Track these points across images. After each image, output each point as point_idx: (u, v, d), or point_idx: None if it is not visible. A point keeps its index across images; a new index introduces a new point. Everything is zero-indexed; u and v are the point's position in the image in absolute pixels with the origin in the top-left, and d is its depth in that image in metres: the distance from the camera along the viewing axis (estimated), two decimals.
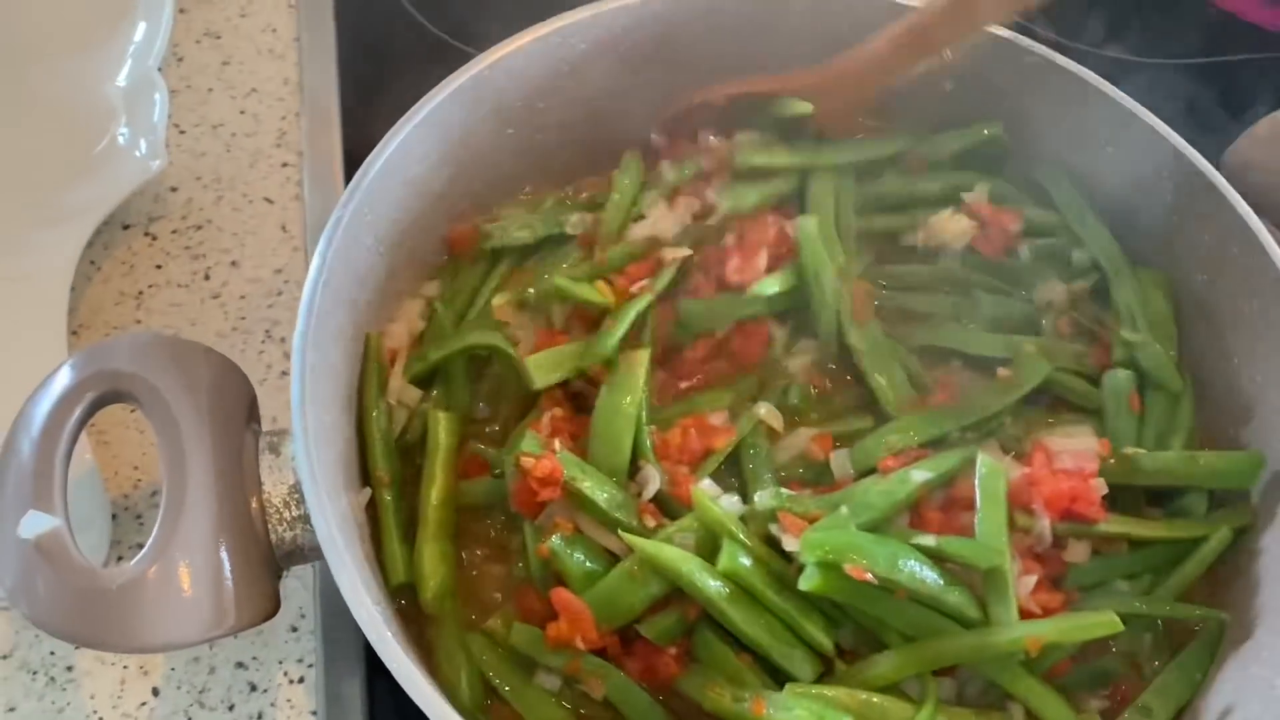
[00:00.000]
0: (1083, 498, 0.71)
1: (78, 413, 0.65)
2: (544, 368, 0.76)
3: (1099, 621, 0.66)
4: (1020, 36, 0.86)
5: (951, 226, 0.86)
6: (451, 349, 0.77)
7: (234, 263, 0.94)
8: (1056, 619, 0.67)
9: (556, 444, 0.70)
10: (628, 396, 0.73)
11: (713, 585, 0.66)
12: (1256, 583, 0.72)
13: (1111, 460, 0.74)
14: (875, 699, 0.65)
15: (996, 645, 0.65)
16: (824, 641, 0.66)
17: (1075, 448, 0.74)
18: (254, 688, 0.76)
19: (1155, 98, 0.86)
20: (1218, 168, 0.83)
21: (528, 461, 0.68)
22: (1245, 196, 0.80)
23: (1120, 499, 0.74)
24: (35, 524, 0.61)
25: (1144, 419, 0.79)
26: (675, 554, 0.66)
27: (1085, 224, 0.86)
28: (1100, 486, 0.72)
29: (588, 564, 0.68)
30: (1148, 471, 0.75)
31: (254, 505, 0.66)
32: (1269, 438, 0.76)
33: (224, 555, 0.63)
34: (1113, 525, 0.72)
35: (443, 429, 0.75)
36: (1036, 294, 0.84)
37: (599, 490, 0.69)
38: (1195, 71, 1.14)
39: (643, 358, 0.75)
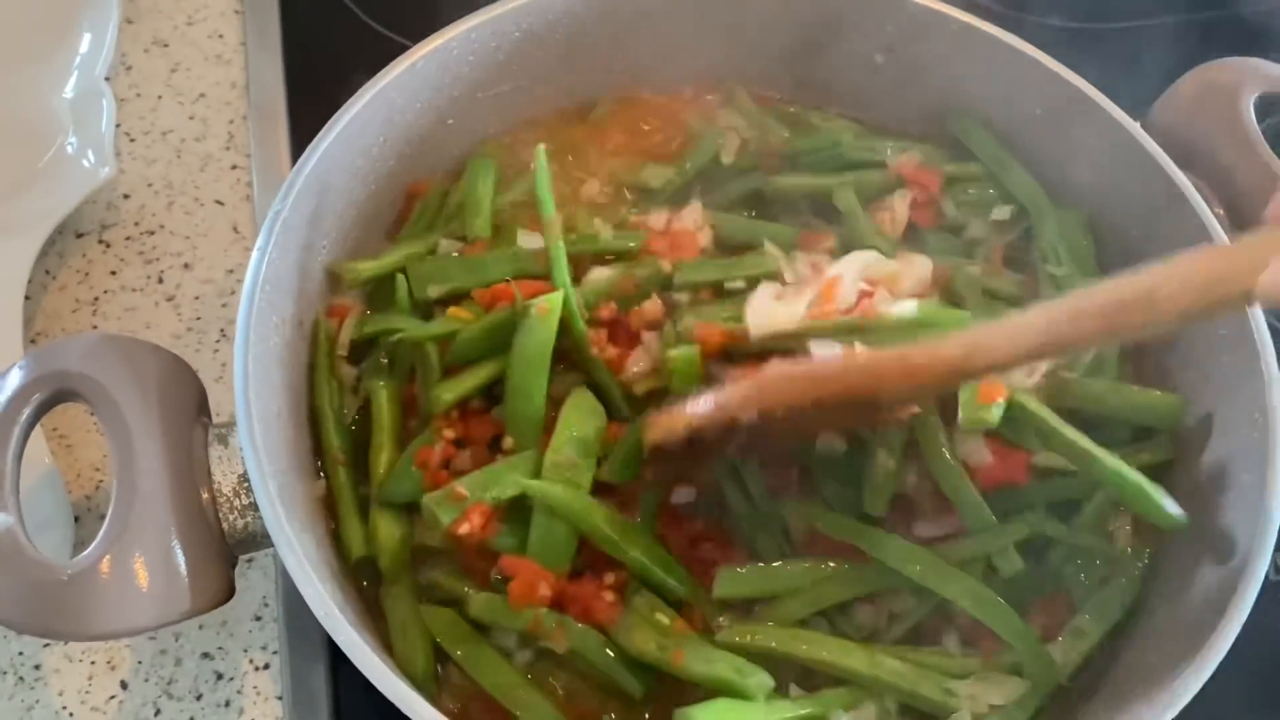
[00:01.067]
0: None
1: (27, 412, 0.66)
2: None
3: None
4: (944, 5, 0.88)
5: (900, 206, 0.88)
6: (377, 328, 0.79)
7: (187, 265, 0.95)
8: None
9: (463, 489, 0.70)
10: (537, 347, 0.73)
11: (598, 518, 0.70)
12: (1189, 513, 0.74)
13: (1043, 380, 0.75)
14: (799, 632, 0.69)
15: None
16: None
17: None
18: (220, 676, 0.78)
19: (1083, 60, 0.88)
20: (1144, 125, 0.85)
21: (463, 528, 0.69)
22: (1171, 150, 0.82)
23: None
24: None
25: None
26: (561, 494, 0.69)
27: (1005, 169, 0.88)
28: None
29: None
30: (1075, 395, 0.76)
31: (205, 496, 0.68)
32: (1197, 383, 0.78)
33: (175, 544, 0.65)
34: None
35: (385, 398, 0.76)
36: (966, 234, 0.87)
37: (516, 478, 0.71)
38: (1123, 34, 1.16)
39: (555, 302, 0.74)
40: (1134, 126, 0.83)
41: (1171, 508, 0.70)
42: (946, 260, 0.83)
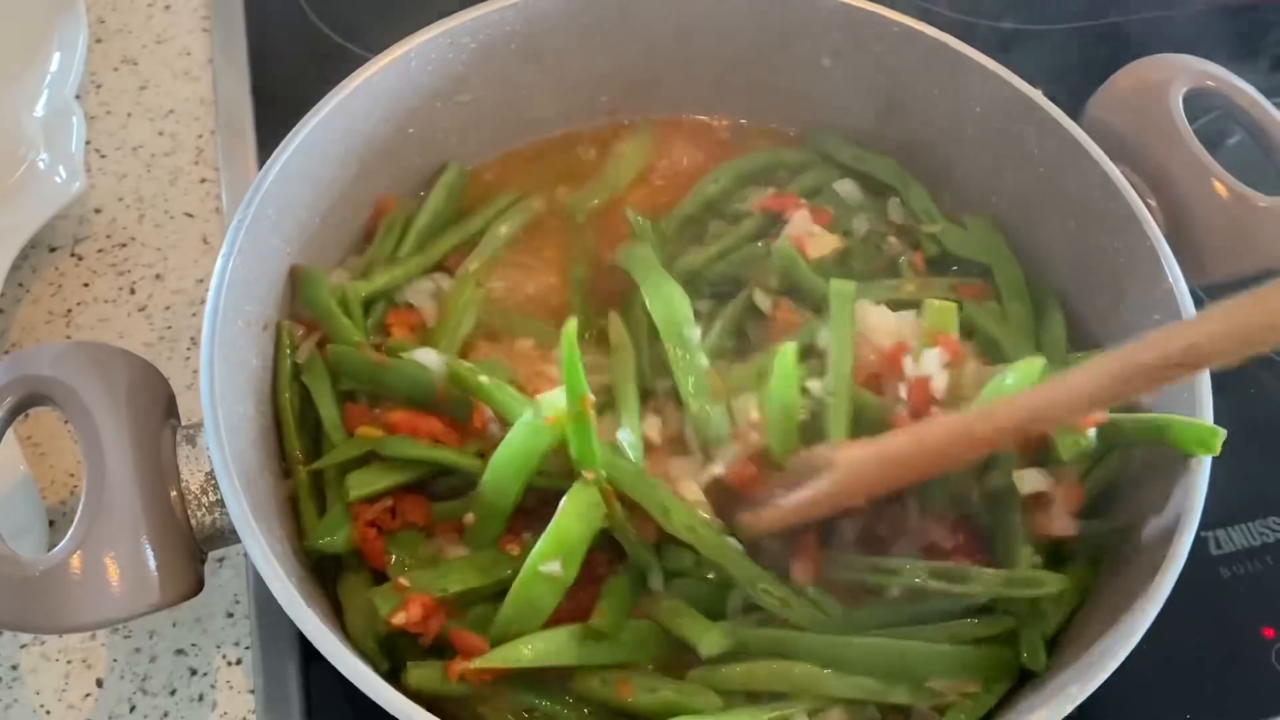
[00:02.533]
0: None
1: None
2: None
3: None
4: (884, 9, 0.91)
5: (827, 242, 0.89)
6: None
7: (158, 276, 0.98)
8: None
9: (403, 581, 0.70)
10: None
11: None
12: (1125, 494, 0.77)
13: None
14: (771, 664, 0.71)
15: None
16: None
17: None
18: (194, 672, 0.80)
19: (1029, 60, 0.91)
20: (1080, 120, 0.88)
21: (399, 618, 0.69)
22: (1105, 144, 0.85)
23: None
24: None
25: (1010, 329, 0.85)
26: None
27: (867, 164, 0.95)
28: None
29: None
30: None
31: (173, 494, 0.70)
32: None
33: (144, 539, 0.67)
34: None
35: (323, 403, 0.78)
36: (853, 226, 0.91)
37: (470, 576, 0.72)
38: (1063, 35, 1.20)
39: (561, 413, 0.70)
40: (1069, 123, 0.86)
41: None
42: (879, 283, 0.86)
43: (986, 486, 0.75)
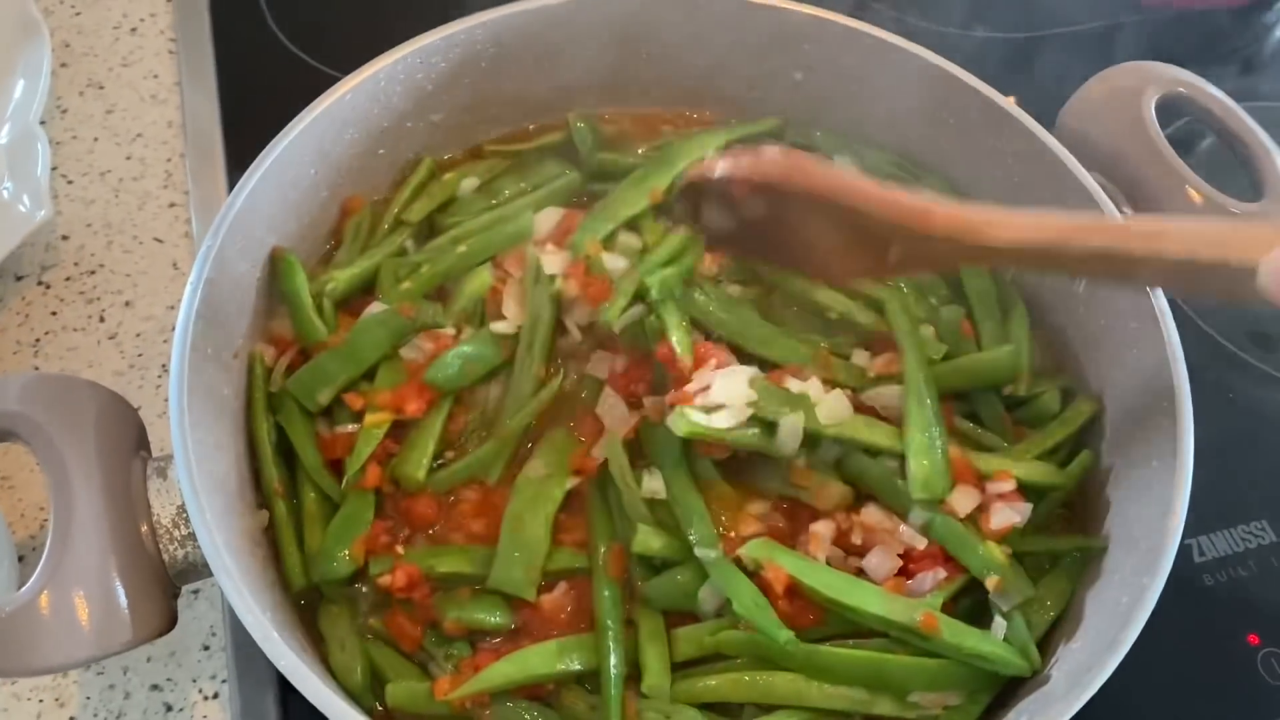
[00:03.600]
0: None
1: None
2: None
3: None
4: (854, 21, 0.91)
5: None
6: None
7: (128, 303, 0.96)
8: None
9: (399, 549, 0.74)
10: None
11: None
12: (1107, 504, 0.77)
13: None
14: (755, 676, 0.70)
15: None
16: None
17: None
18: (170, 708, 0.79)
19: (1001, 69, 0.91)
20: (1053, 129, 0.88)
21: (385, 579, 0.72)
22: (1079, 153, 0.85)
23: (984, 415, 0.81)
24: None
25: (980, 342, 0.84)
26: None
27: None
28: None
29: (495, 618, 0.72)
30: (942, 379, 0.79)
31: (144, 528, 0.69)
32: (1110, 371, 0.81)
33: (114, 575, 0.66)
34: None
35: (300, 443, 0.78)
36: None
37: (461, 563, 0.73)
38: (1034, 43, 1.20)
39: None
40: (1042, 132, 0.86)
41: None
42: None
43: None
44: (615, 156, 0.93)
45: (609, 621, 0.71)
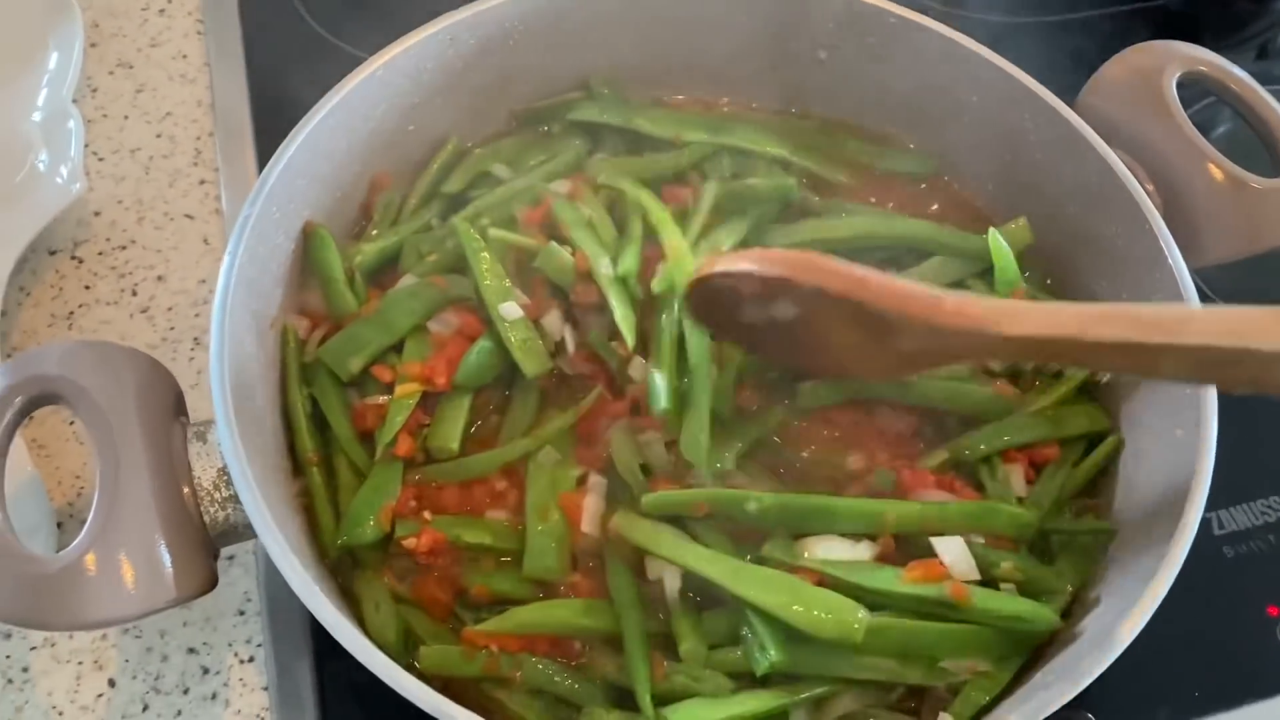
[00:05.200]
0: None
1: (9, 415, 0.68)
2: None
3: None
4: (879, 1, 0.92)
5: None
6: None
7: (160, 277, 0.98)
8: None
9: (426, 515, 0.75)
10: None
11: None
12: (1128, 482, 0.78)
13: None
14: None
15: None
16: None
17: None
18: (206, 670, 0.80)
19: (1024, 52, 0.92)
20: (1076, 107, 0.89)
21: (410, 542, 0.73)
22: (1100, 131, 0.86)
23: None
24: None
25: None
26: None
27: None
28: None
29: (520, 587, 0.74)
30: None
31: (185, 490, 0.70)
32: None
33: (158, 535, 0.67)
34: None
35: (334, 416, 0.79)
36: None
37: (485, 535, 0.75)
38: (1051, 28, 1.21)
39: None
40: (1066, 110, 0.87)
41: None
42: None
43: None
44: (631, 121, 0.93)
45: (627, 597, 0.73)
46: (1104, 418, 0.82)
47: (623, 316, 0.78)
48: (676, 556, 0.72)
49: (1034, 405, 0.80)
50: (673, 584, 0.73)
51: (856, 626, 0.67)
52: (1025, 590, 0.74)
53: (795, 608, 0.68)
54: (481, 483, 0.78)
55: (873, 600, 0.71)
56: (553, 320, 0.81)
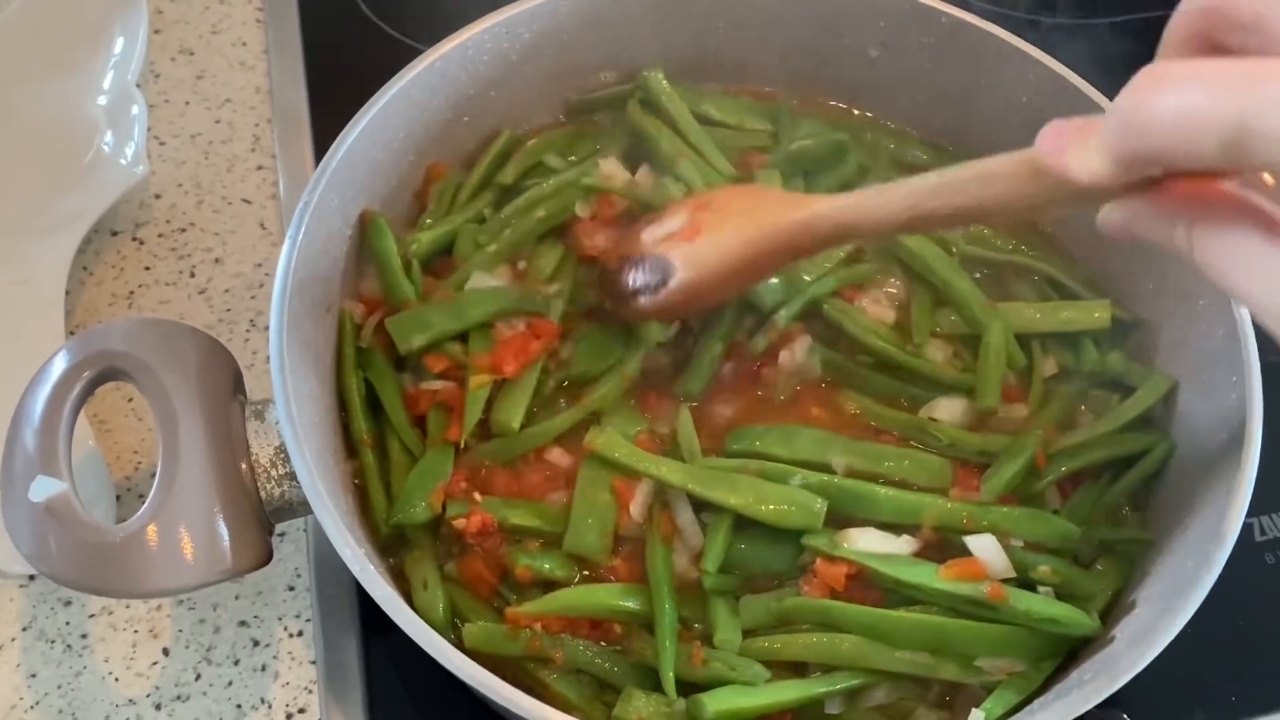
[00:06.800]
0: None
1: (77, 389, 0.71)
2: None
3: None
4: (936, 0, 0.92)
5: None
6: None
7: (217, 260, 1.00)
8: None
9: (477, 496, 0.76)
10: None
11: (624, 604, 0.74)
12: (1169, 486, 0.79)
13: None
14: (818, 637, 0.73)
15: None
16: None
17: None
18: (256, 643, 0.82)
19: (1075, 54, 0.92)
20: None
21: (460, 522, 0.74)
22: None
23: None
24: (44, 488, 0.67)
25: None
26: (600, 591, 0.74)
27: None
28: None
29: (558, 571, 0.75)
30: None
31: (243, 466, 0.72)
32: (1177, 347, 0.83)
33: (217, 509, 0.69)
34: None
35: (389, 400, 0.81)
36: None
37: (533, 517, 0.76)
38: (1102, 30, 1.21)
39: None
40: None
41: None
42: None
43: None
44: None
45: (662, 577, 0.74)
46: (1161, 435, 0.82)
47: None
48: (649, 470, 0.75)
49: (1101, 429, 0.81)
50: (644, 499, 0.76)
51: (817, 510, 0.73)
52: (1063, 593, 0.74)
53: (762, 506, 0.74)
54: (534, 467, 0.79)
55: (910, 595, 0.72)
56: None
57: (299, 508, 0.73)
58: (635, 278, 0.78)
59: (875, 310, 0.87)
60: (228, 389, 0.75)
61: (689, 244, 0.76)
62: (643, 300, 0.77)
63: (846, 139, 0.92)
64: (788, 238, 0.72)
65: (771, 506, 0.74)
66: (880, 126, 0.99)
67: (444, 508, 0.76)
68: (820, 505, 0.73)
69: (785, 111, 0.96)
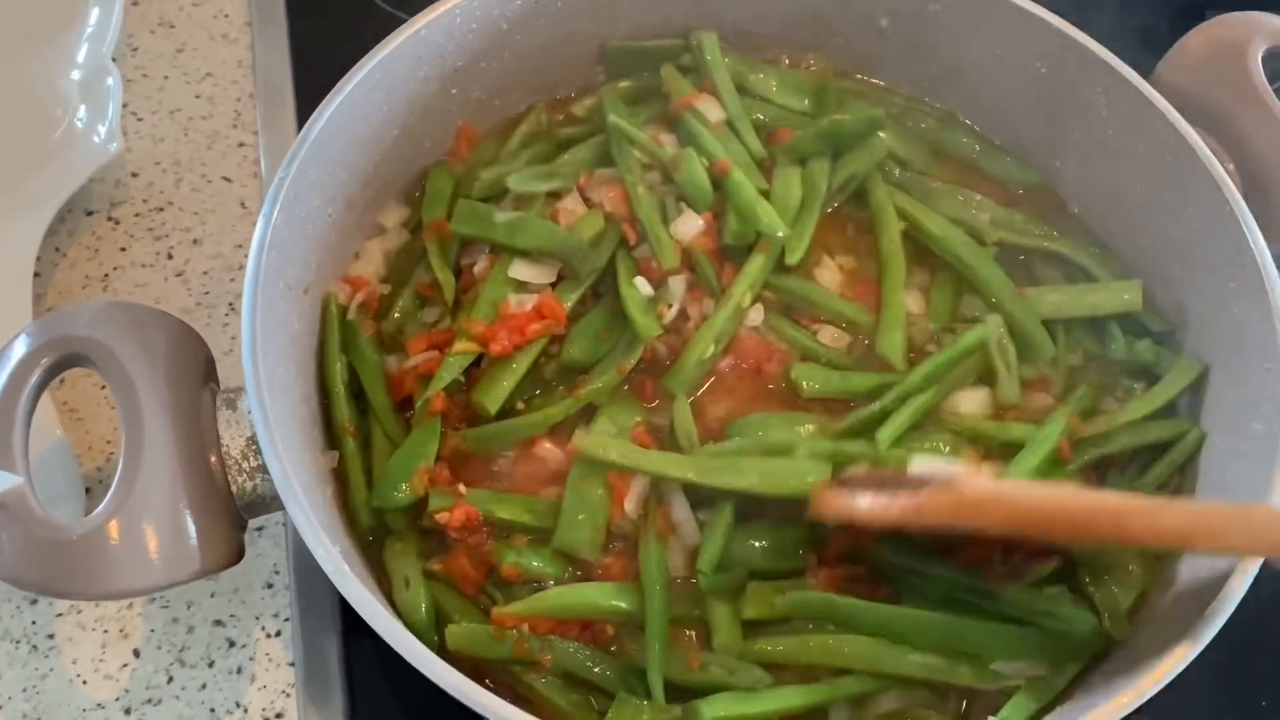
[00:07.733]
0: None
1: (35, 376, 0.67)
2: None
3: None
4: None
5: None
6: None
7: (196, 241, 0.96)
8: None
9: (461, 488, 0.72)
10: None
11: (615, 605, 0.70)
12: (1204, 468, 0.75)
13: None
14: (825, 638, 0.69)
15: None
16: None
17: None
18: (232, 643, 0.78)
19: (1093, 18, 0.88)
20: (1151, 81, 0.84)
21: (443, 515, 0.71)
22: (1178, 105, 0.81)
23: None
24: None
25: None
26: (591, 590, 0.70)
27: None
28: None
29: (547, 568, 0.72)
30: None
31: (213, 458, 0.68)
32: (1206, 336, 0.79)
33: (183, 504, 0.65)
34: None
35: (372, 387, 0.77)
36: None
37: (521, 512, 0.72)
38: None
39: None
40: (1142, 83, 0.83)
41: None
42: None
43: None
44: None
45: (654, 575, 0.70)
46: (1190, 424, 0.78)
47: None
48: (644, 466, 0.71)
49: (1127, 417, 0.77)
50: (638, 494, 0.72)
51: (810, 480, 0.69)
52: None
53: (772, 482, 0.70)
54: (525, 459, 0.75)
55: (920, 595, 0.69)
56: (678, 283, 0.79)
57: (272, 502, 0.69)
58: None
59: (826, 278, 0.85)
60: (198, 376, 0.70)
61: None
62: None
63: (882, 114, 0.87)
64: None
65: (781, 480, 0.70)
66: (923, 110, 0.94)
67: (427, 497, 0.72)
68: (829, 467, 0.70)
69: (830, 90, 0.91)
